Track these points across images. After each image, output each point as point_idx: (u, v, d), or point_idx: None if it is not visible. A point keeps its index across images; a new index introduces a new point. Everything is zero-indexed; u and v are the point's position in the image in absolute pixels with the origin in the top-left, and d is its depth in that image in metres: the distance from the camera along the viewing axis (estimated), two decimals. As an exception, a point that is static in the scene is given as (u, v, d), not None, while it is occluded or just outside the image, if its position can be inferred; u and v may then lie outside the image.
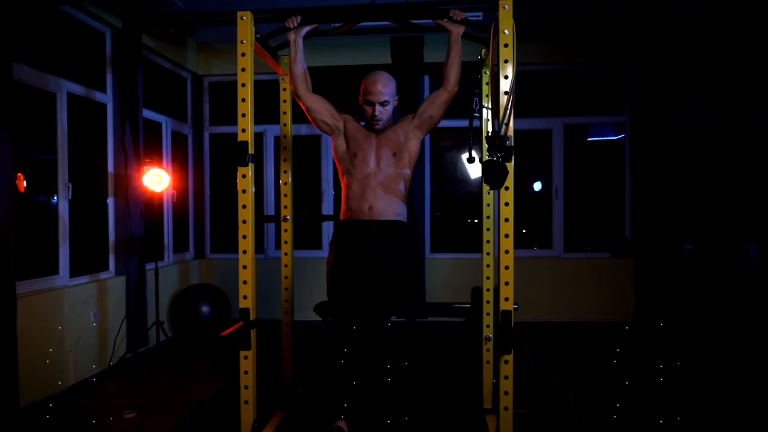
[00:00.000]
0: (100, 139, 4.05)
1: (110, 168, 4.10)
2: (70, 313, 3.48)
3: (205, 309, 4.66)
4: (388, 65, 5.23)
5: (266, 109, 5.61)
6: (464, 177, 5.56)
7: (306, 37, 2.45)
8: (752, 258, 4.22)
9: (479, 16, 2.60)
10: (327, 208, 5.49)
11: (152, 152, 4.68)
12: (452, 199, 5.71)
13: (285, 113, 2.94)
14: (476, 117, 2.76)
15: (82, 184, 3.79)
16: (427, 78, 5.29)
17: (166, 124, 4.94)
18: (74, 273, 3.67)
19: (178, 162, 5.20)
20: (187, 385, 3.51)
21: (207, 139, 5.61)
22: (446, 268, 5.29)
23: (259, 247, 5.59)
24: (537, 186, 5.49)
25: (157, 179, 3.89)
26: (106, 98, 4.06)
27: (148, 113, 4.48)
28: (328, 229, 5.48)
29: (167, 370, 3.82)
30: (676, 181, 5.06)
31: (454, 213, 5.65)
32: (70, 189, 3.60)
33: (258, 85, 6.44)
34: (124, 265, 4.10)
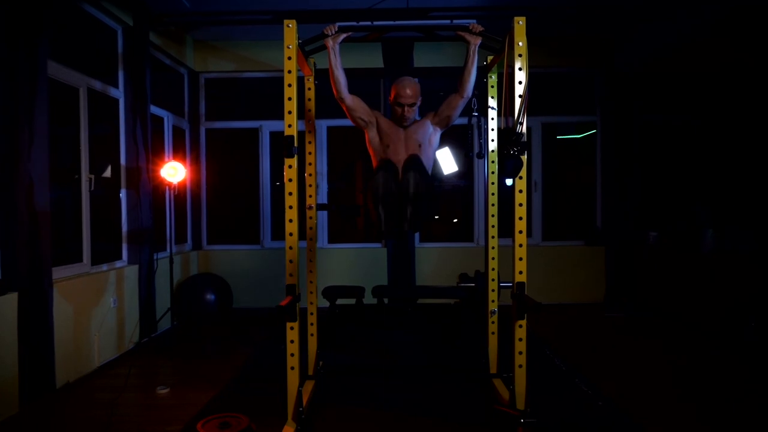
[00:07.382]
0: (113, 133, 4.19)
1: (122, 161, 4.25)
2: (94, 298, 3.65)
3: (209, 297, 4.87)
4: (379, 68, 5.56)
5: (263, 104, 5.85)
6: (437, 173, 5.92)
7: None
8: (707, 242, 4.74)
9: (474, 21, 2.93)
10: (321, 200, 5.74)
11: (155, 146, 4.81)
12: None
13: (310, 111, 3.21)
14: (474, 116, 3.15)
15: (97, 177, 3.93)
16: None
17: (168, 118, 5.09)
18: (94, 261, 3.83)
19: (176, 155, 5.35)
20: (207, 365, 3.74)
21: (203, 134, 5.77)
22: (435, 255, 5.65)
23: (255, 238, 5.81)
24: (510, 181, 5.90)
25: (172, 171, 4.08)
26: (119, 93, 4.20)
27: (152, 108, 4.62)
28: (322, 221, 5.74)
29: (183, 351, 4.03)
30: (643, 175, 5.61)
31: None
32: (92, 181, 3.75)
33: (253, 82, 6.57)
34: (136, 254, 4.27)
